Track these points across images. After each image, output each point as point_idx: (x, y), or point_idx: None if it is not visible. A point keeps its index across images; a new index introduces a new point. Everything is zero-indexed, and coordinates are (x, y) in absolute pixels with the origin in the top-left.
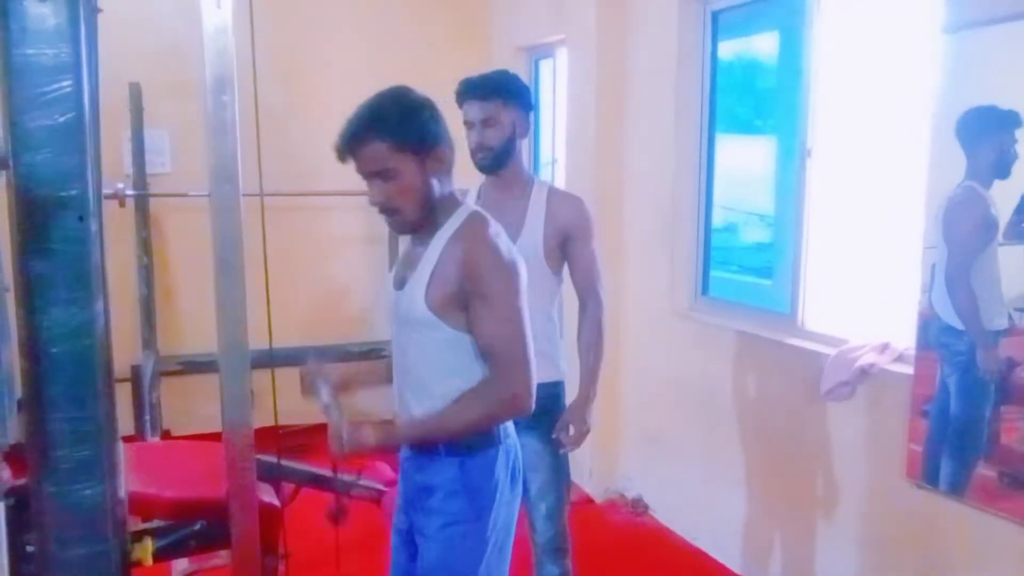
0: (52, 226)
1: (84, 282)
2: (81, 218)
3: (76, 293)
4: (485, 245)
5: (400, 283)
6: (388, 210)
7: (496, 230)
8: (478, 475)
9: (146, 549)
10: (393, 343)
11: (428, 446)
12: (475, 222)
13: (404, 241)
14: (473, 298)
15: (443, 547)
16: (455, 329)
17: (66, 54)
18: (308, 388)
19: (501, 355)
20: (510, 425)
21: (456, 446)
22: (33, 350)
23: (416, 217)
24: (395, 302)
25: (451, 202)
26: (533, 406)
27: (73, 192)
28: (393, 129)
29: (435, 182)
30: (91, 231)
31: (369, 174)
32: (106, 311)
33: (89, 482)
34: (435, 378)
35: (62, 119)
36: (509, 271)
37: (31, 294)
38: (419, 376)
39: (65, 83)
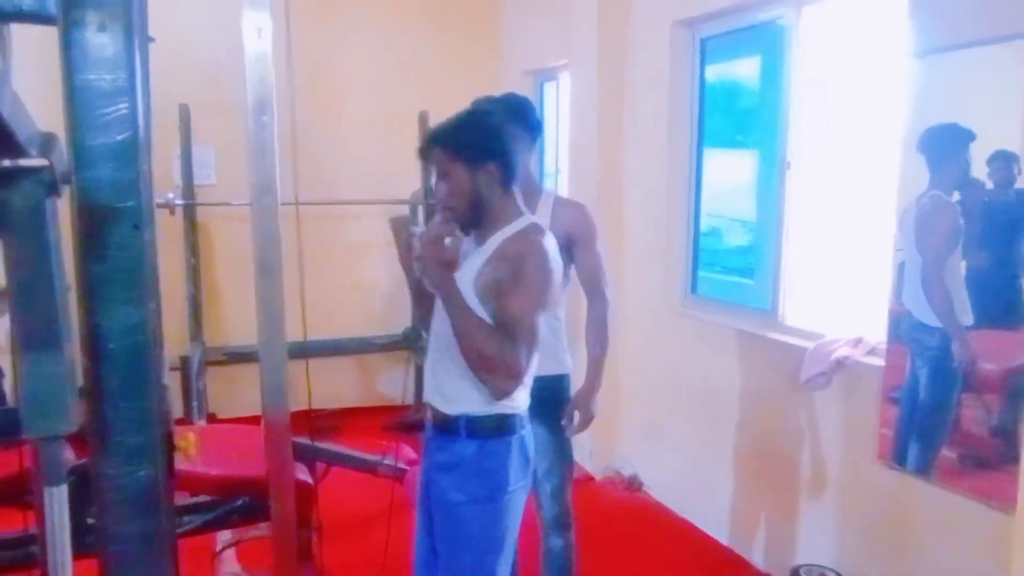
0: (109, 234)
1: (138, 284)
2: (135, 227)
3: (130, 294)
4: (539, 248)
5: None
6: (444, 205)
7: (551, 241)
8: (494, 459)
9: (188, 441)
10: (434, 327)
11: (451, 428)
12: (534, 230)
13: (466, 243)
14: (510, 282)
15: (458, 522)
16: (491, 318)
17: (122, 79)
18: (398, 228)
19: (511, 328)
20: (525, 418)
21: (476, 430)
22: (92, 346)
23: (465, 215)
24: None
25: (511, 210)
26: (515, 387)
27: (128, 204)
28: (451, 142)
29: (485, 190)
30: (144, 239)
31: (436, 173)
32: (158, 310)
33: (142, 465)
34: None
35: (119, 138)
36: (548, 276)
37: (90, 295)
38: (452, 355)
39: (121, 106)
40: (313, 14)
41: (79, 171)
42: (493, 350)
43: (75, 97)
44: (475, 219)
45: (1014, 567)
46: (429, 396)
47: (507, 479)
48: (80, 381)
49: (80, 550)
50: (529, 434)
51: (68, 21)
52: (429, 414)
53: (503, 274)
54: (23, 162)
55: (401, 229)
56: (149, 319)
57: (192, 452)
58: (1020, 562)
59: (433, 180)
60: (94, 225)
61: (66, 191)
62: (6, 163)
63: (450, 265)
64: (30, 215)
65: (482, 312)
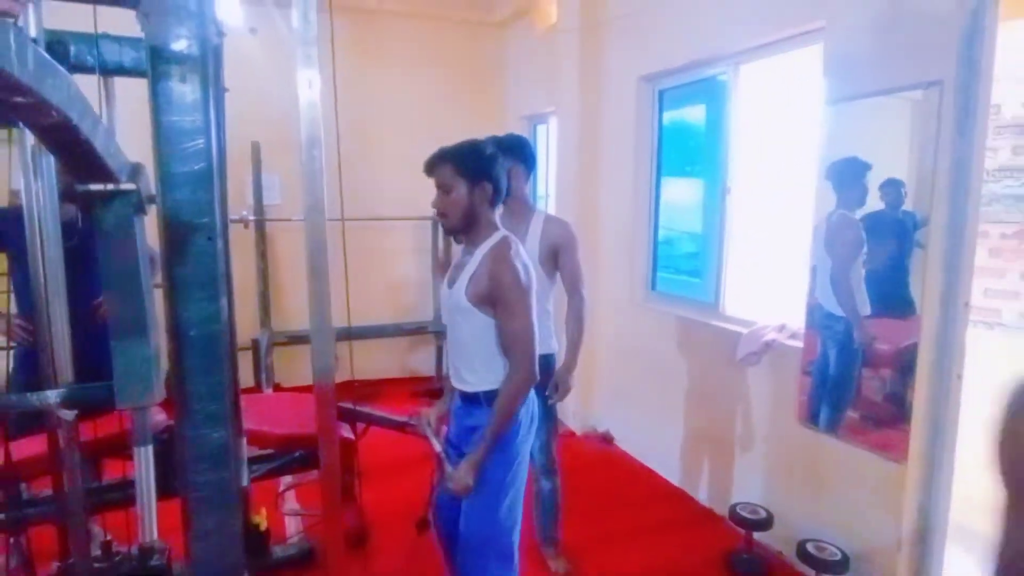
0: (189, 244)
1: (212, 284)
2: (210, 239)
3: (207, 292)
4: (506, 263)
5: (451, 283)
6: (441, 214)
7: (516, 250)
8: None
9: (262, 516)
10: (448, 328)
11: (474, 400)
12: (503, 244)
13: (457, 253)
14: (497, 303)
15: (480, 471)
16: (487, 316)
17: (200, 121)
18: (421, 431)
19: (516, 347)
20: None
21: (493, 400)
22: (176, 333)
23: (458, 225)
24: (448, 296)
25: (492, 226)
26: (538, 377)
27: (204, 220)
28: (458, 158)
29: (477, 205)
30: (217, 248)
31: (438, 185)
32: (229, 304)
33: (216, 428)
34: (475, 350)
35: (196, 167)
36: (522, 283)
37: (174, 293)
38: (465, 349)
39: (199, 141)
40: (358, 70)
41: (165, 194)
42: (517, 387)
43: (161, 134)
44: (466, 228)
45: (905, 505)
46: (454, 382)
47: (517, 432)
48: (164, 362)
49: (168, 493)
50: (533, 396)
51: (156, 74)
52: (456, 392)
53: (486, 288)
54: (115, 187)
55: (421, 429)
56: (221, 312)
57: (264, 524)
58: (910, 502)
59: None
60: (177, 237)
61: (151, 210)
62: (102, 187)
63: (470, 466)
64: (121, 230)
65: (481, 316)
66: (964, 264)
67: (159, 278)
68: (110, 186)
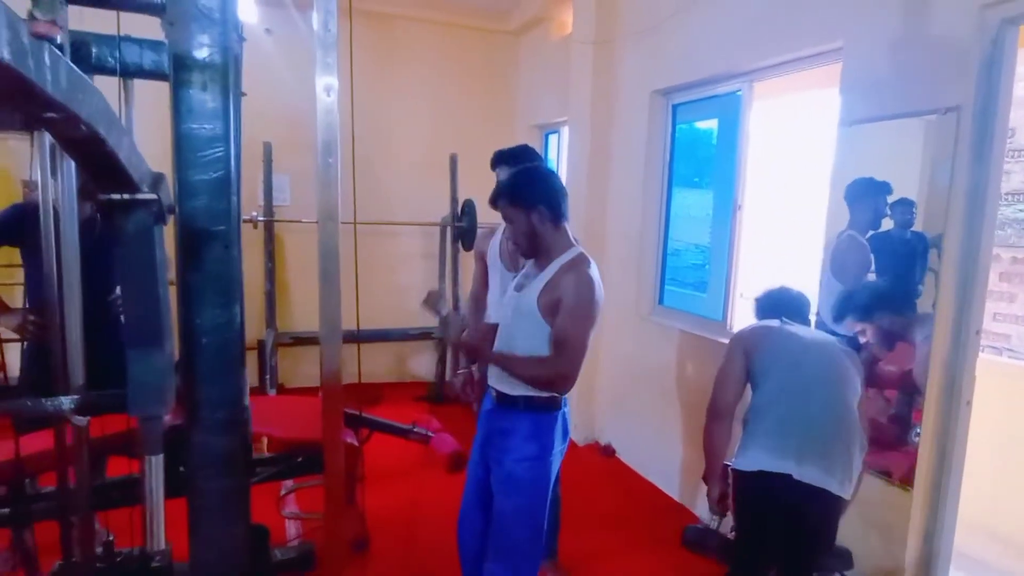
0: (205, 251)
1: (227, 292)
2: (226, 247)
3: (221, 299)
4: (584, 276)
5: (519, 288)
6: (514, 241)
7: (593, 268)
8: (545, 428)
9: None
10: (501, 328)
11: (512, 403)
12: (581, 259)
13: (528, 265)
14: (562, 305)
15: (514, 474)
16: (548, 326)
17: (219, 128)
18: (431, 303)
19: (566, 345)
20: (566, 400)
21: (531, 407)
22: (189, 339)
23: (528, 250)
24: (516, 299)
25: (563, 242)
26: (572, 386)
27: (221, 228)
28: (510, 194)
29: (539, 227)
30: (233, 256)
31: (504, 218)
32: (241, 312)
33: (225, 435)
34: (526, 351)
35: (214, 175)
36: (595, 299)
37: (188, 299)
38: (516, 349)
39: (218, 150)
40: (373, 76)
41: (183, 201)
42: (544, 372)
43: (181, 142)
44: (534, 249)
45: (911, 530)
46: (494, 382)
47: (552, 444)
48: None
49: (173, 494)
50: (568, 411)
51: (177, 81)
52: (493, 392)
53: (559, 296)
54: (137, 196)
55: (432, 309)
56: (235, 320)
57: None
58: (915, 527)
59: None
60: (193, 244)
61: (170, 219)
62: (123, 197)
63: (474, 351)
64: (141, 239)
65: (544, 326)
66: (977, 291)
67: (170, 275)
68: (133, 195)
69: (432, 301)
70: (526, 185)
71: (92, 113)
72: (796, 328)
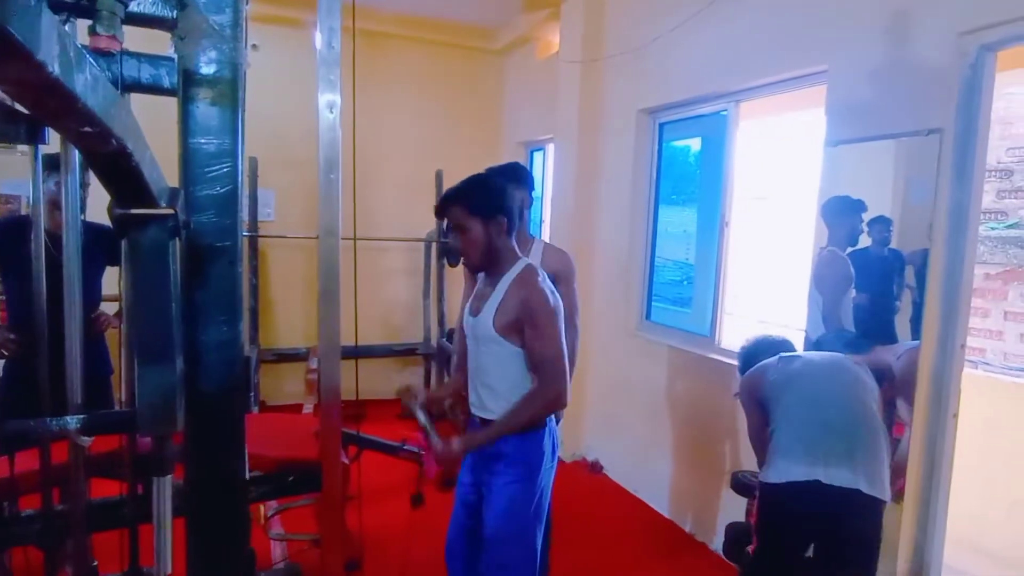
0: (211, 267)
1: (231, 308)
2: (231, 263)
3: (225, 316)
4: (534, 288)
5: (475, 312)
6: (462, 253)
7: (543, 277)
8: (532, 448)
9: None
10: (469, 354)
11: None
12: (528, 271)
13: (480, 282)
14: (526, 326)
15: (505, 498)
16: (513, 345)
17: (227, 144)
18: (405, 410)
19: (546, 366)
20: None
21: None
22: (193, 356)
23: (479, 261)
24: (472, 325)
25: (513, 255)
26: (569, 402)
27: (227, 243)
28: (467, 198)
29: (496, 239)
30: (238, 272)
31: (452, 227)
32: (245, 329)
33: (227, 455)
34: (499, 379)
35: (221, 191)
36: (552, 307)
37: (193, 316)
38: (489, 377)
39: (225, 165)
40: (359, 93)
41: (188, 216)
42: (540, 405)
43: (188, 157)
44: (488, 263)
45: (901, 543)
46: (475, 409)
47: (540, 462)
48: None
49: (149, 518)
50: (555, 426)
51: (185, 96)
52: (476, 418)
53: (515, 316)
54: (154, 211)
55: (407, 403)
56: (238, 337)
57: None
58: (905, 540)
59: (447, 231)
60: (199, 260)
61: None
62: (141, 211)
63: (461, 445)
64: (155, 254)
65: (507, 344)
66: (961, 306)
67: None
68: (150, 210)
69: (406, 399)
70: (487, 192)
71: (123, 128)
72: (794, 352)
